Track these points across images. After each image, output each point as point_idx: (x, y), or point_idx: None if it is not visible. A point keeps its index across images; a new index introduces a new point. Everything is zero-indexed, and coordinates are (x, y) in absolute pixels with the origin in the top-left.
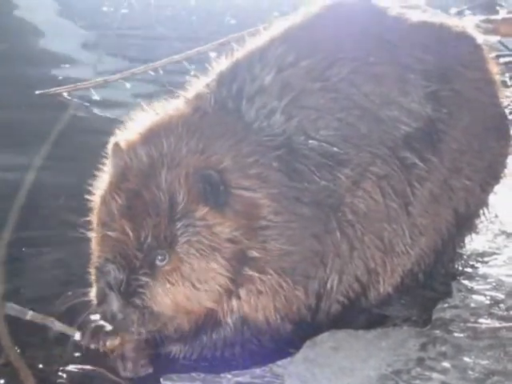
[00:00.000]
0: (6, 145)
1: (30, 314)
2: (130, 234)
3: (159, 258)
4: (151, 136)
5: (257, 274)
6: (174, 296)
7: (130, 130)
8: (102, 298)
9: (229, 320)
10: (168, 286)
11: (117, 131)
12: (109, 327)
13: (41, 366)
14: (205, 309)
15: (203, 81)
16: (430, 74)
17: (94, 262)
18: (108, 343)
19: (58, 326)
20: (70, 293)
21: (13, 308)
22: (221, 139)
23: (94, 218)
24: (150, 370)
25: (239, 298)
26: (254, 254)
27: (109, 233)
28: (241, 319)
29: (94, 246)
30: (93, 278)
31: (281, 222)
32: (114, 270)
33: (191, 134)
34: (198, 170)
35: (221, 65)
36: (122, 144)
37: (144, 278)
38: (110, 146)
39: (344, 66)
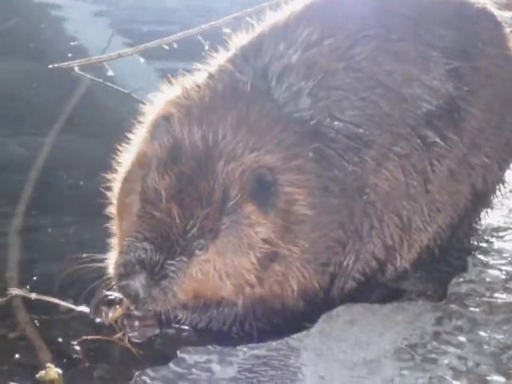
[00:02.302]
0: (19, 120)
1: (34, 296)
2: (177, 219)
3: (199, 247)
4: (201, 117)
5: (283, 269)
6: (200, 285)
7: (166, 104)
8: (128, 273)
9: (243, 301)
10: (199, 275)
11: (146, 104)
12: (112, 299)
13: (55, 339)
14: (222, 297)
15: (224, 55)
16: (450, 51)
17: (128, 235)
18: (110, 315)
19: (63, 304)
20: (84, 255)
21: (18, 291)
22: (267, 132)
23: (120, 190)
24: (157, 331)
25: (260, 288)
26: (285, 252)
27: (153, 212)
28: (256, 300)
29: (129, 218)
30: (119, 249)
31: (313, 216)
32: (152, 250)
33: (241, 124)
34: (254, 169)
35: (242, 39)
36: (172, 119)
37: (179, 265)
38: (151, 117)
39: (367, 44)
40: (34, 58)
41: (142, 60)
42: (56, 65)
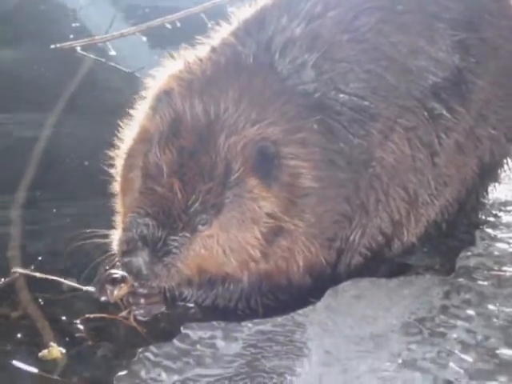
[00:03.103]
0: (22, 101)
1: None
2: (179, 194)
3: (202, 222)
4: (202, 90)
5: (289, 244)
6: (204, 260)
7: (168, 78)
8: (130, 249)
9: (249, 277)
10: (202, 250)
11: (148, 79)
12: (117, 277)
13: (58, 317)
14: (227, 273)
15: (227, 29)
16: (457, 23)
17: (130, 211)
18: (115, 293)
19: (67, 282)
20: (88, 230)
21: (21, 271)
22: (270, 105)
23: (123, 167)
24: (163, 309)
25: (265, 263)
26: (291, 226)
27: (154, 187)
28: (261, 276)
29: (131, 194)
30: (122, 226)
31: (319, 190)
32: (154, 226)
33: (243, 97)
34: (256, 142)
35: (245, 13)
36: (173, 93)
37: (182, 241)
38: (153, 92)
39: (371, 15)
40: (36, 39)
41: (144, 39)
42: (58, 45)
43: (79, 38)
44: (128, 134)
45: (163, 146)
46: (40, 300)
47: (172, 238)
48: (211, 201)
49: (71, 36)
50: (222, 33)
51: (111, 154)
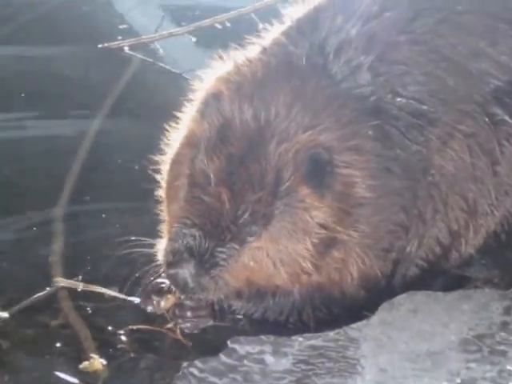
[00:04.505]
0: (68, 102)
1: (81, 286)
2: (227, 203)
3: (251, 233)
4: (252, 94)
5: (342, 255)
6: (253, 273)
7: (217, 81)
8: (176, 261)
9: (300, 289)
10: (251, 263)
11: (196, 81)
12: (163, 287)
13: (101, 327)
14: (277, 285)
15: (279, 28)
16: None
17: (176, 221)
18: (162, 304)
19: (110, 292)
20: (133, 238)
21: (63, 281)
22: (324, 110)
23: (169, 173)
24: (210, 323)
25: (317, 276)
26: (344, 237)
27: (202, 196)
28: (313, 288)
29: (177, 203)
30: (168, 235)
31: (374, 199)
32: (201, 237)
33: (295, 101)
34: (309, 148)
35: (298, 12)
36: (221, 97)
37: (230, 252)
38: (201, 94)
39: (430, 16)
40: (82, 40)
41: (194, 40)
42: (106, 44)
43: (127, 38)
44: (175, 138)
45: (211, 153)
46: (85, 309)
47: (219, 249)
48: (261, 211)
49: (119, 37)
50: (273, 32)
51: (157, 158)
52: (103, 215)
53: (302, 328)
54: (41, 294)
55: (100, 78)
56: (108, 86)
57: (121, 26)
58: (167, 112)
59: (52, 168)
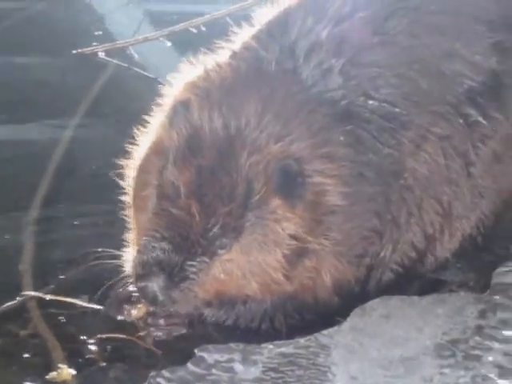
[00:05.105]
0: (42, 107)
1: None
2: (197, 216)
3: (221, 246)
4: (221, 101)
5: (315, 264)
6: (223, 285)
7: (185, 87)
8: (145, 274)
9: (272, 298)
10: (222, 275)
11: (166, 86)
12: (133, 296)
13: (70, 337)
14: (248, 295)
15: (249, 31)
16: (494, 24)
17: (144, 233)
18: (134, 313)
19: (79, 303)
20: (100, 249)
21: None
22: (294, 117)
23: (136, 181)
24: (183, 331)
25: (289, 285)
26: (316, 246)
27: (171, 209)
28: (285, 296)
29: (145, 214)
30: (136, 246)
31: (346, 206)
32: (171, 250)
33: (266, 109)
34: (279, 160)
35: (267, 14)
36: (190, 104)
37: (200, 266)
38: (169, 100)
39: (403, 16)
40: (58, 47)
41: (169, 44)
42: (80, 50)
43: (103, 42)
44: (142, 143)
45: (180, 164)
46: (55, 318)
47: (189, 263)
48: (232, 224)
49: (94, 43)
50: (243, 36)
51: (122, 163)
52: (75, 222)
53: (273, 335)
54: (10, 303)
55: (76, 84)
56: (83, 92)
57: (97, 33)
58: (142, 117)
59: (24, 174)
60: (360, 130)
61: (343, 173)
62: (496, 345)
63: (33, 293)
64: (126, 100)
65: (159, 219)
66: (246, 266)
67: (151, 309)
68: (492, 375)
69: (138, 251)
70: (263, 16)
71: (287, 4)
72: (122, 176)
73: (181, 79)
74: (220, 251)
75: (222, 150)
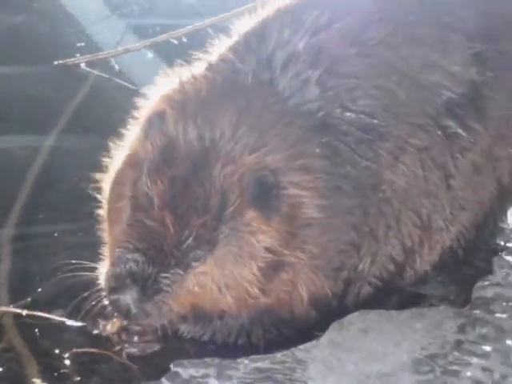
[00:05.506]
0: (22, 119)
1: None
2: (171, 228)
3: (195, 258)
4: (196, 114)
5: (291, 277)
6: (198, 298)
7: (161, 99)
8: (118, 287)
9: (248, 312)
10: (196, 288)
11: (141, 98)
12: (107, 311)
13: (45, 351)
14: (223, 310)
15: (226, 43)
16: (473, 34)
17: (118, 245)
18: (108, 328)
19: (53, 317)
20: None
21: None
22: (270, 129)
23: (110, 193)
24: (157, 348)
25: (265, 299)
26: (292, 259)
27: (144, 220)
28: (262, 309)
29: (119, 226)
30: (110, 259)
31: (323, 219)
32: (144, 262)
33: (241, 121)
34: (254, 171)
35: (245, 25)
36: (165, 116)
37: (174, 278)
38: (144, 112)
39: (381, 27)
40: (39, 58)
41: (151, 55)
42: (61, 61)
43: (84, 53)
44: (118, 156)
45: (154, 175)
46: (30, 332)
47: (163, 275)
48: (206, 236)
49: (77, 54)
50: (220, 47)
51: (98, 176)
52: (51, 233)
53: (250, 350)
54: None
55: (56, 96)
56: (64, 103)
57: (79, 44)
58: (123, 128)
59: (2, 185)
60: (337, 142)
61: (319, 185)
62: (475, 360)
63: (8, 308)
64: (107, 111)
65: (133, 230)
66: (220, 279)
67: (125, 323)
68: None
69: (112, 263)
70: (241, 27)
71: (264, 15)
72: (98, 189)
73: (156, 91)
74: (194, 263)
75: (196, 161)
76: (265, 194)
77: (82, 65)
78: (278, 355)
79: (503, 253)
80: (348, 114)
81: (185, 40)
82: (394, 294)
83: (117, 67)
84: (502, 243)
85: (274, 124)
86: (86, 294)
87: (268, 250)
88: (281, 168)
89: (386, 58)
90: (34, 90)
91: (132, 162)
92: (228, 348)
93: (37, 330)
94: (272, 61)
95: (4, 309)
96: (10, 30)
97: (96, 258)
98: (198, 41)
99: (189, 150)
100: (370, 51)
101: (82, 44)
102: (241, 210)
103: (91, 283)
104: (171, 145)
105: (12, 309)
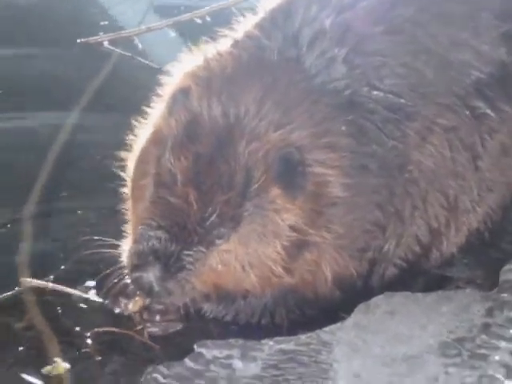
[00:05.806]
0: (45, 98)
1: (49, 286)
2: (195, 205)
3: (219, 236)
4: (221, 90)
5: (315, 257)
6: (221, 277)
7: (185, 76)
8: (141, 264)
9: (272, 292)
10: (219, 266)
11: (165, 76)
12: (129, 288)
13: (67, 330)
14: (246, 289)
15: (252, 19)
16: (503, 13)
17: (141, 222)
18: (130, 306)
19: (77, 293)
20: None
21: (31, 282)
22: (296, 106)
23: (134, 171)
24: (179, 327)
25: (289, 278)
26: (317, 239)
27: (168, 197)
28: (286, 289)
29: (142, 203)
30: (132, 237)
31: (348, 198)
32: (167, 240)
33: (266, 98)
34: (279, 148)
35: (271, 2)
36: (190, 93)
37: (197, 256)
38: (169, 89)
39: (409, 4)
40: (62, 37)
41: (174, 34)
42: (84, 39)
43: (107, 31)
44: (142, 134)
45: (178, 151)
46: (51, 311)
47: (186, 252)
48: (229, 213)
49: (101, 33)
50: (246, 25)
51: (123, 155)
52: (72, 211)
53: (274, 331)
54: (5, 294)
55: (79, 74)
56: (87, 82)
57: (102, 23)
58: (143, 108)
59: (25, 163)
60: (363, 120)
61: (345, 163)
62: (503, 343)
63: (32, 281)
64: (130, 90)
65: (156, 208)
66: (244, 258)
67: (147, 301)
68: (499, 375)
69: (134, 241)
70: (267, 4)
71: None
72: (123, 168)
73: (180, 68)
74: (217, 241)
75: (220, 137)
76: (290, 172)
77: (105, 43)
78: (303, 337)
79: None
80: (375, 92)
81: (208, 19)
82: (420, 277)
83: (140, 46)
84: None
85: (299, 101)
86: (108, 272)
87: (292, 228)
88: (306, 145)
89: (413, 36)
90: (56, 69)
91: (156, 139)
92: (251, 329)
93: (58, 309)
94: (298, 38)
95: (29, 282)
96: (34, 11)
97: (119, 235)
98: (222, 20)
99: (213, 126)
100: (397, 28)
101: (106, 23)
102: (265, 187)
103: (114, 260)
104: (195, 121)
105: (37, 281)
